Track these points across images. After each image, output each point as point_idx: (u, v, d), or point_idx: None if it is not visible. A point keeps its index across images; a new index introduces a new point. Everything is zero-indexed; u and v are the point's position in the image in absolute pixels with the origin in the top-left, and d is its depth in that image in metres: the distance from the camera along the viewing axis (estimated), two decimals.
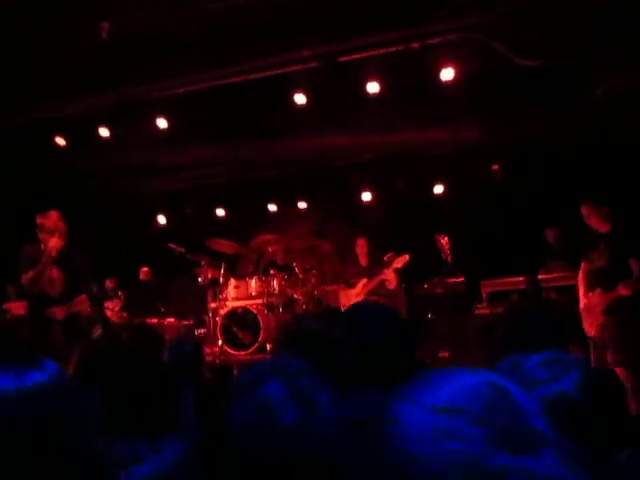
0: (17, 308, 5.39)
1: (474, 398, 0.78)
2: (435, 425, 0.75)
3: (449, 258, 6.37)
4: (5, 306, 5.78)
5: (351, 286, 6.58)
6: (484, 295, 6.31)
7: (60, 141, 6.82)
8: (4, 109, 6.20)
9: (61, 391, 0.94)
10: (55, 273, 4.36)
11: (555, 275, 5.99)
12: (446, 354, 6.57)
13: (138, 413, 1.85)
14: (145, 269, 7.99)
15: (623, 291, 4.30)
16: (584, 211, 4.56)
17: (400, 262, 6.27)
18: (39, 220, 4.35)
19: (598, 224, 4.51)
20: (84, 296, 4.39)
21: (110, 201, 8.39)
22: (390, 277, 6.31)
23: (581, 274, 4.72)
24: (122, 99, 6.31)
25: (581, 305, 4.62)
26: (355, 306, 2.28)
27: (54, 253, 4.30)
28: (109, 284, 7.64)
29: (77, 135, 6.84)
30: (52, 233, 4.33)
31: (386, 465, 0.78)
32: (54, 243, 4.29)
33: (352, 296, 6.48)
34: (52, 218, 4.38)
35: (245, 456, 1.14)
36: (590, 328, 4.48)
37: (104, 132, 6.64)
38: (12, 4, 4.83)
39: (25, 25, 5.05)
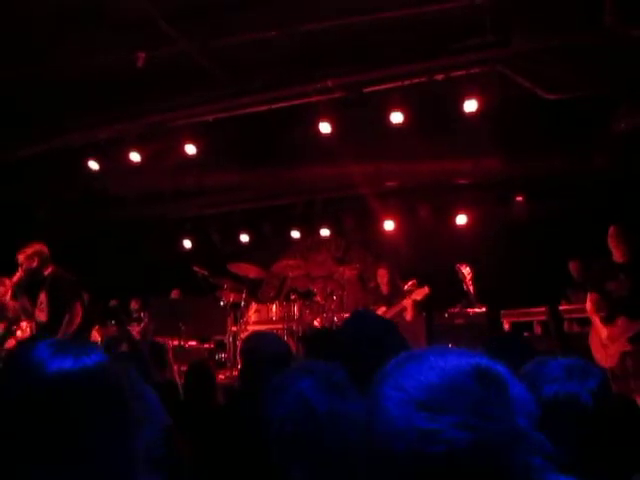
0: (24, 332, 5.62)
1: (459, 394, 0.74)
2: (417, 426, 0.72)
3: (471, 288, 6.35)
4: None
5: None
6: (506, 325, 6.27)
7: (93, 165, 7.02)
8: (38, 134, 6.46)
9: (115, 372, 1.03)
10: (43, 299, 4.59)
11: (576, 306, 5.92)
12: None
13: None
14: (176, 292, 8.10)
15: None
16: (611, 232, 4.51)
17: (419, 294, 6.26)
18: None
19: (619, 251, 4.47)
20: (67, 316, 4.53)
21: (138, 224, 8.59)
22: (408, 307, 6.30)
23: (589, 305, 4.64)
24: (153, 125, 6.53)
25: (603, 336, 4.53)
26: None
27: (8, 287, 4.74)
28: (134, 305, 7.77)
29: (108, 160, 7.05)
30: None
31: (371, 456, 0.78)
32: (12, 279, 4.69)
33: None
34: (20, 254, 4.68)
35: (287, 444, 1.25)
36: (609, 359, 4.41)
37: (135, 157, 6.83)
38: (51, 28, 5.07)
39: (63, 49, 5.30)
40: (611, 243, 4.51)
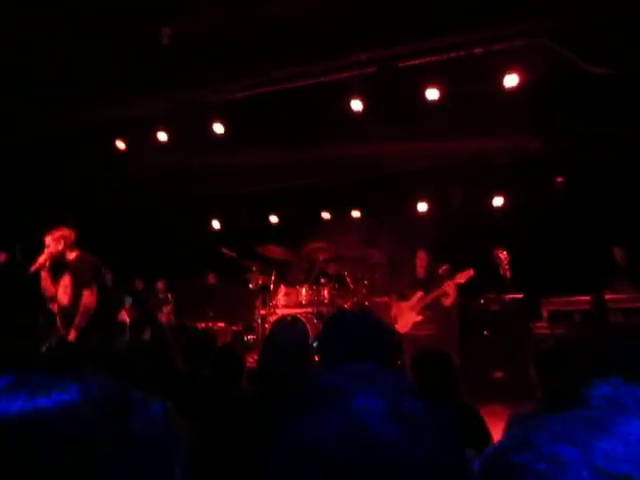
0: None
1: None
2: None
3: (508, 274, 6.09)
4: None
5: (404, 297, 6.36)
6: (544, 314, 5.99)
7: (120, 144, 6.93)
8: (65, 111, 6.36)
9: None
10: (67, 282, 4.54)
11: (623, 296, 5.61)
12: (500, 374, 6.28)
13: None
14: (212, 276, 8.00)
15: None
16: None
17: (463, 277, 5.95)
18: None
19: None
20: (86, 292, 4.46)
21: (166, 204, 8.50)
22: (450, 291, 6.01)
23: None
24: (181, 103, 6.37)
25: None
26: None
27: (32, 269, 4.58)
28: (160, 285, 7.71)
29: (136, 138, 6.94)
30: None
31: None
32: (38, 260, 4.58)
33: (405, 309, 6.24)
34: (47, 236, 4.64)
35: (340, 471, 1.01)
36: None
37: (162, 136, 6.71)
38: (78, 8, 4.93)
39: (89, 29, 5.16)
40: None
